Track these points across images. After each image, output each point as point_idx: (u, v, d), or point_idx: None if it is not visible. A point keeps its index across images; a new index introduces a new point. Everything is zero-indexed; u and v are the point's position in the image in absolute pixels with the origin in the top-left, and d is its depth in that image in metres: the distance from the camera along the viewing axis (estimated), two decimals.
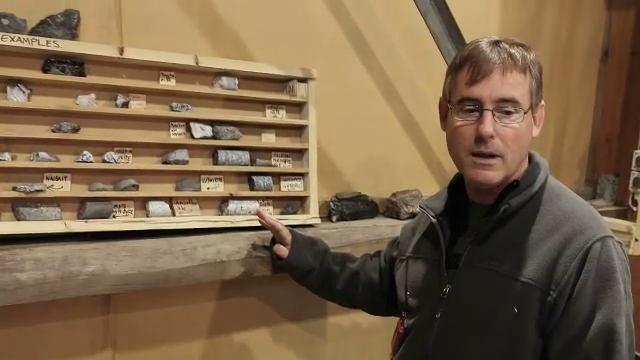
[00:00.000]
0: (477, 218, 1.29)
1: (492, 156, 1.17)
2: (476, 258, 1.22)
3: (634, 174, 2.56)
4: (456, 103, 1.21)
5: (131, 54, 1.54)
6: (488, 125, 1.14)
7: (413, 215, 2.09)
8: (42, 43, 1.42)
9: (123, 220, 1.54)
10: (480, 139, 1.16)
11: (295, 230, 1.65)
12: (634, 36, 2.82)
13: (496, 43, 1.18)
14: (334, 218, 1.97)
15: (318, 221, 1.87)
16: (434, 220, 1.32)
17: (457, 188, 1.37)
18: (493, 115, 1.15)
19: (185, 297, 1.78)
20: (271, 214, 1.75)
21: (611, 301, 1.09)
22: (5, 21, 1.41)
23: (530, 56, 1.18)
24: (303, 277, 1.62)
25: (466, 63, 1.18)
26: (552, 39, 2.70)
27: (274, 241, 1.66)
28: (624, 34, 2.85)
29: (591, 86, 2.94)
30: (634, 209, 2.56)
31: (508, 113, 1.15)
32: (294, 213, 1.85)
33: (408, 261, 1.44)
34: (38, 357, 1.57)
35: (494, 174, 1.18)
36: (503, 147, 1.16)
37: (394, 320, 2.16)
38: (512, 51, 1.16)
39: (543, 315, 1.13)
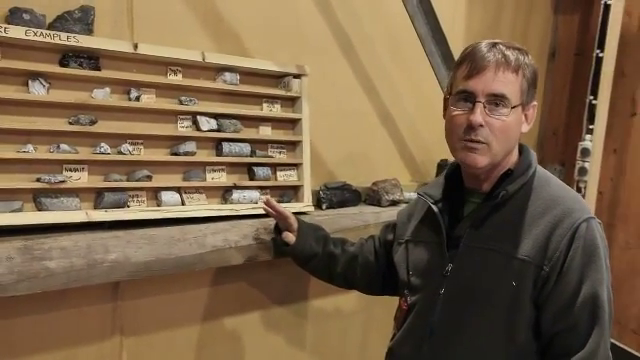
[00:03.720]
0: (474, 204, 1.42)
1: (480, 142, 1.30)
2: (475, 239, 1.36)
3: (579, 164, 2.80)
4: (454, 95, 1.35)
5: (145, 50, 1.60)
6: (478, 115, 1.28)
7: (393, 202, 2.25)
8: (63, 38, 1.46)
9: (140, 209, 1.61)
10: (470, 127, 1.29)
11: (299, 217, 1.76)
12: (578, 38, 3.08)
13: (494, 45, 1.32)
14: (324, 206, 2.10)
15: (312, 209, 1.99)
16: (434, 206, 1.45)
17: (453, 177, 1.50)
18: (484, 107, 1.28)
19: (184, 284, 1.86)
20: None
21: (595, 273, 1.26)
22: (26, 16, 1.44)
23: (524, 59, 1.32)
24: (307, 261, 1.72)
25: (465, 60, 1.33)
26: (508, 40, 2.92)
27: (277, 227, 1.76)
28: (570, 36, 3.11)
29: (540, 84, 3.20)
30: None
31: (497, 106, 1.29)
32: (289, 201, 1.97)
33: (408, 244, 1.55)
34: (52, 344, 1.62)
35: (480, 158, 1.31)
36: (491, 136, 1.29)
37: (372, 304, 2.36)
38: (507, 53, 1.30)
39: (536, 287, 1.28)
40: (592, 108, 2.77)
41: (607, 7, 2.69)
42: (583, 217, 1.29)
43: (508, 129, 1.31)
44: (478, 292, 1.34)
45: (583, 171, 2.79)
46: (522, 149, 1.44)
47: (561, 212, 1.30)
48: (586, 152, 2.78)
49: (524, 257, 1.29)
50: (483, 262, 1.34)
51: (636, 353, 2.81)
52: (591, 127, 2.77)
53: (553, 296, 1.27)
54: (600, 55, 2.73)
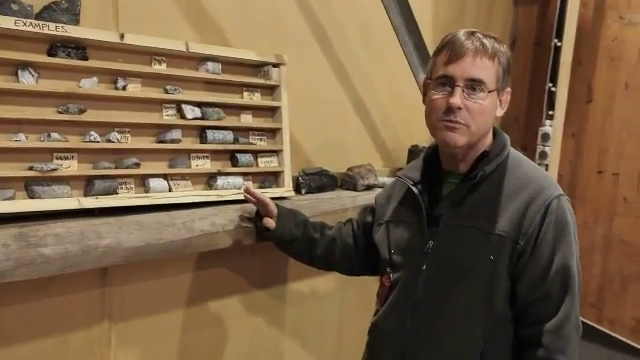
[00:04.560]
0: (452, 185, 1.51)
1: (459, 123, 1.39)
2: (455, 217, 1.44)
3: (540, 148, 2.97)
4: (434, 79, 1.43)
5: (131, 40, 1.63)
6: (457, 98, 1.36)
7: (368, 187, 2.34)
8: (51, 28, 1.48)
9: (129, 196, 1.64)
10: (449, 109, 1.38)
11: (278, 203, 1.82)
12: (537, 29, 3.24)
13: (472, 33, 1.40)
14: (303, 191, 2.17)
15: (292, 194, 2.05)
16: (414, 188, 1.52)
17: (431, 160, 1.58)
18: (463, 91, 1.37)
19: (170, 270, 1.90)
20: None
21: (565, 247, 1.37)
22: (15, 6, 1.45)
23: (500, 47, 1.41)
24: (287, 246, 1.79)
25: (445, 47, 1.41)
26: None
27: (258, 213, 1.82)
28: (529, 26, 3.26)
29: None
30: None
31: (475, 90, 1.37)
32: (270, 187, 2.03)
33: (388, 225, 1.63)
34: (42, 331, 1.63)
35: (459, 137, 1.39)
36: (469, 118, 1.38)
37: (348, 286, 2.43)
38: (484, 41, 1.39)
39: (512, 260, 1.38)
40: (551, 95, 2.92)
41: None
42: (554, 194, 1.39)
43: (484, 112, 1.40)
44: (458, 267, 1.43)
45: (544, 155, 2.95)
46: (496, 132, 1.53)
47: (534, 190, 1.40)
48: (546, 137, 2.94)
49: (501, 232, 1.38)
50: (462, 238, 1.43)
51: (595, 325, 2.99)
52: (551, 113, 2.93)
53: (528, 268, 1.38)
54: (558, 44, 2.88)
